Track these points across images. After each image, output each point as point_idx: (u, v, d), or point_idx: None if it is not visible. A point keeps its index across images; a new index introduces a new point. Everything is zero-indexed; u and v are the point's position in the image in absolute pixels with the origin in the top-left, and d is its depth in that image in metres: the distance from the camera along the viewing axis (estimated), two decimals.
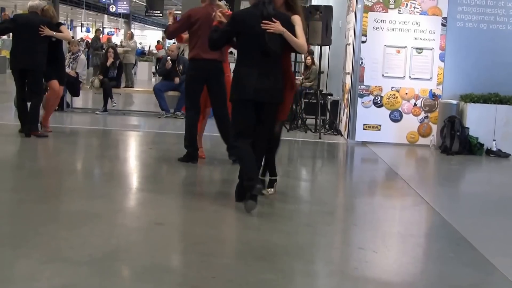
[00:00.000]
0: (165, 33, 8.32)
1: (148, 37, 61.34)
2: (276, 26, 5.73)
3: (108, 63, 13.89)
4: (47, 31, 9.50)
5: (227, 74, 8.24)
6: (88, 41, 36.38)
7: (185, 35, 8.22)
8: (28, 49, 9.61)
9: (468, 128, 10.31)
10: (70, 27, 50.61)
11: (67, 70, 13.40)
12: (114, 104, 13.94)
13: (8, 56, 19.45)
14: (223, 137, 7.96)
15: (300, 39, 5.90)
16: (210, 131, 11.51)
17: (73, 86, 13.27)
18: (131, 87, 18.20)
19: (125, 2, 30.31)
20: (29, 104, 9.64)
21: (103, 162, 8.45)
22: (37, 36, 9.49)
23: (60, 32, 9.78)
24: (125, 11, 31.71)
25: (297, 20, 5.97)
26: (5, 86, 19.41)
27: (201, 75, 7.84)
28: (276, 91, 5.92)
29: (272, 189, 6.41)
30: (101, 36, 26.07)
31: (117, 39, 43.51)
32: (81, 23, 48.64)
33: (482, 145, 10.29)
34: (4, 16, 28.38)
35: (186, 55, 12.96)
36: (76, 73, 13.34)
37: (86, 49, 30.06)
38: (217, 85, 7.88)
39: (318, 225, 5.53)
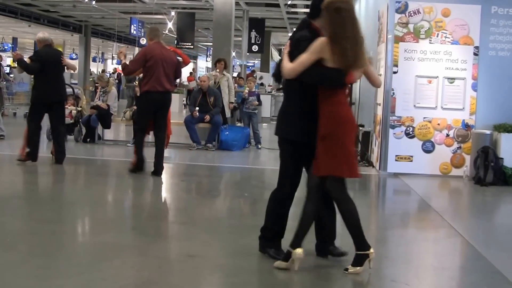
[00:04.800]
0: (124, 71, 9.68)
1: None
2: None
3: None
4: None
5: None
6: (119, 73, 36.85)
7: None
8: None
9: (502, 158, 10.17)
10: (101, 60, 51.36)
11: (98, 102, 13.60)
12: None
13: None
14: (157, 154, 9.39)
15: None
16: (244, 163, 11.54)
17: (104, 118, 13.42)
18: None
19: None
20: None
21: (135, 194, 8.49)
22: None
23: None
24: None
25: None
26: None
27: (154, 106, 9.22)
28: None
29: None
30: None
31: None
32: (112, 55, 49.30)
33: None
34: None
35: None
36: (107, 105, 13.50)
37: (117, 81, 30.38)
38: (166, 113, 9.52)
39: (350, 258, 5.46)
